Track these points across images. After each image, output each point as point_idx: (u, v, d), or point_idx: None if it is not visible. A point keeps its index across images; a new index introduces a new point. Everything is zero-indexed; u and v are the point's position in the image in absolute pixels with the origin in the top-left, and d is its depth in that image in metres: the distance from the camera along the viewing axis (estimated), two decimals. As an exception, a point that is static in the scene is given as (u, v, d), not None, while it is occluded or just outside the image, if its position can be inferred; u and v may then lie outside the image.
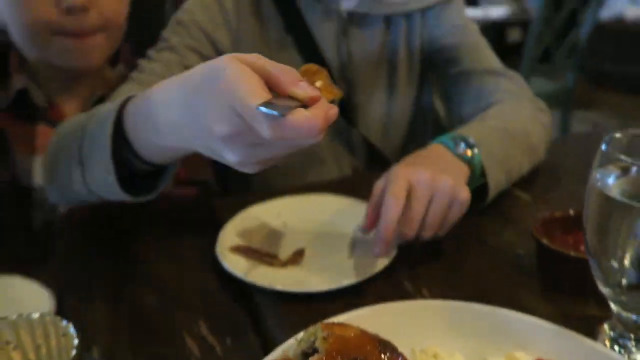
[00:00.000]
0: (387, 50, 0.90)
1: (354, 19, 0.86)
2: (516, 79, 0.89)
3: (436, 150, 0.68)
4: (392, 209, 0.57)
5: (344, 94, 0.88)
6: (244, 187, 0.92)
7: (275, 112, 0.36)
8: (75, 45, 0.72)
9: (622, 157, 0.42)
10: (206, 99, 0.40)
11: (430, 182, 0.58)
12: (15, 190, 0.73)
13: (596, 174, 0.44)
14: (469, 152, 0.67)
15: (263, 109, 0.36)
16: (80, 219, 0.75)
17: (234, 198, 0.84)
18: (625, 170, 0.44)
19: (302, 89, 0.38)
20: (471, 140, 0.68)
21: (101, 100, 0.76)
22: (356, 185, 0.79)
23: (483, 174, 0.69)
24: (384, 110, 0.91)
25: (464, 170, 0.66)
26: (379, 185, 0.62)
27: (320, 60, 0.84)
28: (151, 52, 0.81)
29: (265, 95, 0.37)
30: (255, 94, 0.36)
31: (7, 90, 0.74)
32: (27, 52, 0.74)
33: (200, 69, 0.42)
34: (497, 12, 3.33)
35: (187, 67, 0.52)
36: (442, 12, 0.89)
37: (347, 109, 0.89)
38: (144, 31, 0.85)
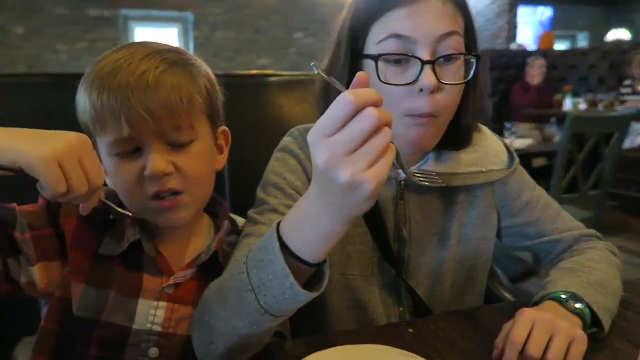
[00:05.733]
0: (443, 214, 0.97)
1: (411, 185, 0.93)
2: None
3: (550, 306, 0.80)
4: (512, 348, 0.69)
5: (396, 250, 0.95)
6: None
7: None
8: (161, 206, 0.79)
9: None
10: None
11: (550, 323, 0.70)
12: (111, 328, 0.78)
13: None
14: (578, 305, 0.78)
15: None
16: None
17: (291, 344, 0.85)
18: None
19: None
20: (578, 295, 0.80)
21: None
22: (400, 334, 0.83)
23: (591, 326, 0.79)
24: (433, 266, 0.97)
25: (577, 321, 0.77)
26: (507, 325, 0.74)
27: (379, 221, 0.93)
28: (254, 216, 0.89)
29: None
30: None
31: (121, 242, 0.82)
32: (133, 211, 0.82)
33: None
34: (522, 143, 3.49)
35: None
36: (509, 179, 0.98)
37: (398, 262, 0.95)
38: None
